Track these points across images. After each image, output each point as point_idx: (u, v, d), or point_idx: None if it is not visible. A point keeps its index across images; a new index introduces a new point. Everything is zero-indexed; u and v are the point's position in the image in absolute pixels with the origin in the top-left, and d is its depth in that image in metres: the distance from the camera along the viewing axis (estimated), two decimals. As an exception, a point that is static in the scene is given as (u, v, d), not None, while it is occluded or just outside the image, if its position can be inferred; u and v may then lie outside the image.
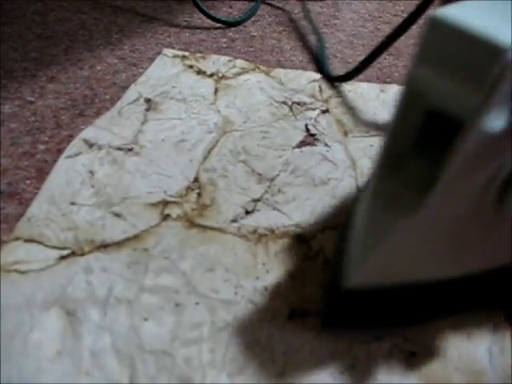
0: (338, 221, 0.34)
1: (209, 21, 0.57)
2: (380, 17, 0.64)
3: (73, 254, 0.31)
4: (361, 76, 0.50)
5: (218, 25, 0.57)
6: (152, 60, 0.48)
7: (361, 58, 0.53)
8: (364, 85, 0.48)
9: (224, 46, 0.53)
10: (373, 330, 0.28)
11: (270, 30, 0.58)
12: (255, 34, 0.56)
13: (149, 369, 0.26)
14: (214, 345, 0.27)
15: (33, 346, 0.26)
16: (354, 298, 0.26)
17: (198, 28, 0.56)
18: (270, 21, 0.60)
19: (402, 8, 0.67)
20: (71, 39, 0.52)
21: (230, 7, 0.62)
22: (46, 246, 0.31)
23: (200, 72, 0.47)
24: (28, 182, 0.35)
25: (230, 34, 0.56)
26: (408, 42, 0.58)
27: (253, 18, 0.59)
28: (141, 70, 0.47)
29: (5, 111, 0.41)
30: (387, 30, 0.60)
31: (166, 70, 0.47)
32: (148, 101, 0.43)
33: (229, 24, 0.56)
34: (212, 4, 0.61)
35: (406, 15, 0.64)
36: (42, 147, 0.38)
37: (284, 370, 0.27)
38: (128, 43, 0.52)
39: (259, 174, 0.37)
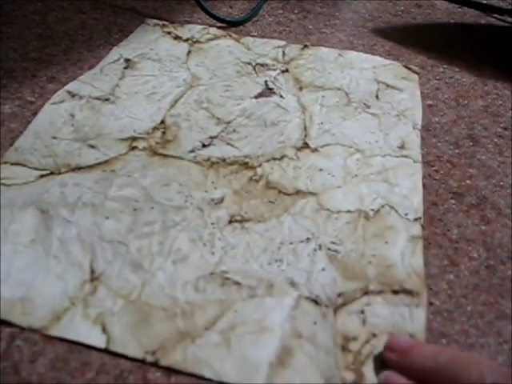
0: (283, 153, 0.40)
1: (209, 21, 0.58)
2: (380, 17, 0.64)
3: (51, 173, 0.36)
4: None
5: (219, 24, 0.57)
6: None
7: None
8: (325, 49, 0.53)
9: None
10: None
11: (270, 30, 0.59)
12: (255, 33, 0.57)
13: (106, 254, 0.31)
14: (163, 238, 0.32)
15: (11, 234, 0.32)
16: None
17: (198, 27, 0.57)
18: (269, 21, 0.61)
19: (402, 8, 0.67)
20: (71, 39, 0.53)
21: (230, 7, 0.62)
22: (29, 167, 0.37)
23: (177, 37, 0.53)
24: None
25: (231, 33, 0.56)
26: (408, 42, 0.58)
27: (253, 18, 0.59)
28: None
29: (5, 111, 0.43)
30: (387, 29, 0.61)
31: (146, 36, 0.53)
32: (127, 60, 0.48)
33: (231, 23, 0.58)
34: (212, 4, 0.62)
35: (405, 15, 0.66)
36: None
37: (220, 261, 0.32)
38: (128, 43, 0.53)
39: (218, 118, 0.42)
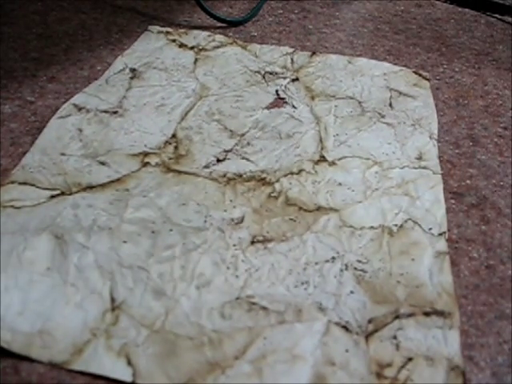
0: (301, 167, 0.38)
1: (209, 21, 0.58)
2: (380, 17, 0.64)
3: (62, 193, 0.35)
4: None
5: (218, 24, 0.57)
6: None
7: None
8: (333, 56, 0.52)
9: (224, 46, 0.54)
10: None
11: (270, 29, 0.58)
12: (255, 34, 0.57)
13: (127, 281, 0.30)
14: (184, 262, 0.31)
15: (26, 262, 0.30)
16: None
17: (198, 28, 0.57)
18: (270, 21, 0.60)
19: (402, 8, 0.67)
20: (71, 39, 0.53)
21: (230, 7, 0.62)
22: (38, 187, 0.35)
23: (182, 45, 0.52)
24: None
25: (231, 33, 0.56)
26: (408, 42, 0.59)
27: (253, 18, 0.59)
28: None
29: (5, 111, 0.42)
30: (387, 29, 0.61)
31: (150, 44, 0.51)
32: (133, 70, 0.47)
33: (231, 23, 0.57)
34: (212, 4, 0.61)
35: (405, 15, 0.66)
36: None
37: (245, 285, 0.30)
38: (128, 43, 0.53)
39: (231, 131, 0.41)
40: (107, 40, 0.53)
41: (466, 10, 0.69)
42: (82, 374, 0.26)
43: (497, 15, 0.67)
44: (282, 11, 0.62)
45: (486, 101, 0.50)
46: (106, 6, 0.60)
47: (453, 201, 0.38)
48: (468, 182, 0.40)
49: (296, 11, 0.63)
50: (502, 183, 0.40)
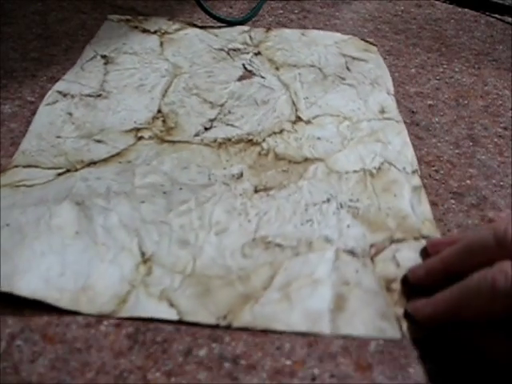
0: (282, 127, 0.42)
1: (208, 20, 0.57)
2: (380, 17, 0.63)
3: (68, 171, 0.37)
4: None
5: (218, 24, 0.57)
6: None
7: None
8: (287, 30, 0.57)
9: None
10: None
11: None
12: None
13: (152, 236, 0.32)
14: (201, 213, 0.34)
15: (55, 228, 0.32)
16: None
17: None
18: (269, 21, 0.60)
19: (402, 8, 0.67)
20: (71, 39, 0.53)
21: (230, 7, 0.61)
22: (43, 168, 0.37)
23: (145, 30, 0.54)
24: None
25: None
26: (408, 42, 0.59)
27: (253, 18, 0.59)
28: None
29: (5, 111, 0.42)
30: (387, 29, 0.61)
31: (114, 32, 0.53)
32: (104, 57, 0.49)
33: (231, 23, 0.57)
34: (212, 4, 0.60)
35: (405, 15, 0.66)
36: (42, 147, 0.40)
37: (258, 227, 0.34)
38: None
39: (211, 102, 0.44)
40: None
41: (466, 9, 0.68)
42: (82, 373, 0.26)
43: (497, 15, 0.67)
44: (282, 11, 0.62)
45: (486, 101, 0.49)
46: (106, 5, 0.60)
47: (453, 201, 0.38)
48: (468, 181, 0.40)
49: (296, 11, 0.63)
50: (502, 183, 0.40)
